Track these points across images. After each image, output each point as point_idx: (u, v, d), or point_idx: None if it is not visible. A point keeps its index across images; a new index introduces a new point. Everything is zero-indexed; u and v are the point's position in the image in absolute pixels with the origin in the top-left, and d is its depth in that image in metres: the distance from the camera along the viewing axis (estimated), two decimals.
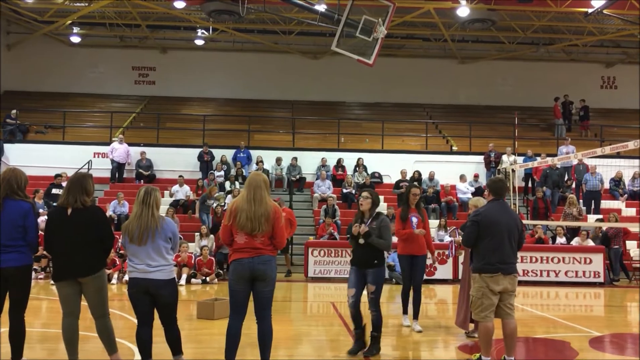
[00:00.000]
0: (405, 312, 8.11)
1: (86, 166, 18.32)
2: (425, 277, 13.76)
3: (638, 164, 18.74)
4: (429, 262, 8.32)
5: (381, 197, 17.79)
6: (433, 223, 16.59)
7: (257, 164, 18.83)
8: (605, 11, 17.75)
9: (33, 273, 7.84)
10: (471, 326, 7.37)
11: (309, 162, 19.31)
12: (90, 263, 5.17)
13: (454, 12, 19.34)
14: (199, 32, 23.32)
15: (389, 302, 10.55)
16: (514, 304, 5.82)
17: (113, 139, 19.20)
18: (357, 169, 18.93)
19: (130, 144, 18.95)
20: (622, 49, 24.95)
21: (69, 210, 5.18)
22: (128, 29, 23.89)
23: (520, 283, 13.66)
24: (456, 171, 18.63)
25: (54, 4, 20.65)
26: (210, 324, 8.00)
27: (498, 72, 25.13)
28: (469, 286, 6.49)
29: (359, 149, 20.15)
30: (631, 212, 17.83)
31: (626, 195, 18.56)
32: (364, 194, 6.52)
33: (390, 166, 19.11)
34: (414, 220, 7.83)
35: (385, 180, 19.32)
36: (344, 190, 17.90)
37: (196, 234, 14.94)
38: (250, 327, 5.28)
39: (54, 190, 15.61)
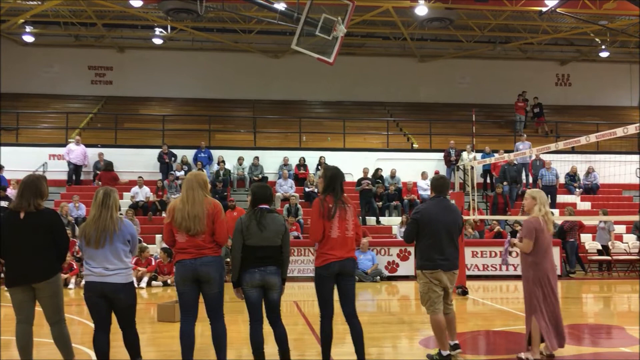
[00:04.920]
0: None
1: (41, 168, 17.85)
2: (387, 274, 14.04)
3: (591, 159, 19.30)
4: None
5: None
6: (395, 220, 16.85)
7: (218, 164, 18.66)
8: (559, 10, 18.15)
9: None
10: (542, 346, 6.08)
11: (270, 161, 19.25)
12: (44, 268, 5.04)
13: (413, 11, 19.53)
14: (157, 31, 22.90)
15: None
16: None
17: (69, 140, 18.75)
18: (319, 167, 18.96)
19: (87, 145, 18.55)
20: (575, 47, 25.61)
21: (22, 214, 5.04)
22: (83, 28, 23.35)
23: (480, 277, 13.99)
24: (417, 168, 18.83)
25: (6, 2, 20.00)
26: (171, 326, 7.88)
27: (456, 70, 25.47)
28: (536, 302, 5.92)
29: (320, 147, 20.15)
30: (586, 205, 18.33)
31: (581, 189, 19.07)
32: None
33: (353, 164, 19.15)
34: None
35: (348, 179, 19.36)
36: (307, 189, 17.91)
37: (157, 236, 14.73)
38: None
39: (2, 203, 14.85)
